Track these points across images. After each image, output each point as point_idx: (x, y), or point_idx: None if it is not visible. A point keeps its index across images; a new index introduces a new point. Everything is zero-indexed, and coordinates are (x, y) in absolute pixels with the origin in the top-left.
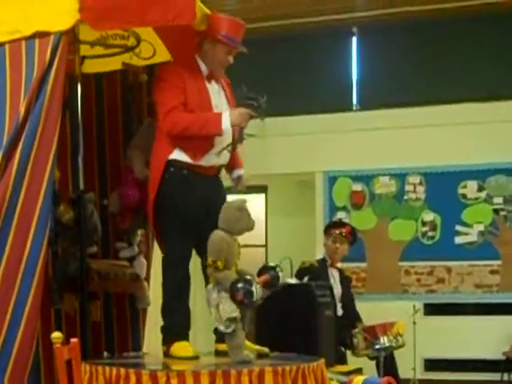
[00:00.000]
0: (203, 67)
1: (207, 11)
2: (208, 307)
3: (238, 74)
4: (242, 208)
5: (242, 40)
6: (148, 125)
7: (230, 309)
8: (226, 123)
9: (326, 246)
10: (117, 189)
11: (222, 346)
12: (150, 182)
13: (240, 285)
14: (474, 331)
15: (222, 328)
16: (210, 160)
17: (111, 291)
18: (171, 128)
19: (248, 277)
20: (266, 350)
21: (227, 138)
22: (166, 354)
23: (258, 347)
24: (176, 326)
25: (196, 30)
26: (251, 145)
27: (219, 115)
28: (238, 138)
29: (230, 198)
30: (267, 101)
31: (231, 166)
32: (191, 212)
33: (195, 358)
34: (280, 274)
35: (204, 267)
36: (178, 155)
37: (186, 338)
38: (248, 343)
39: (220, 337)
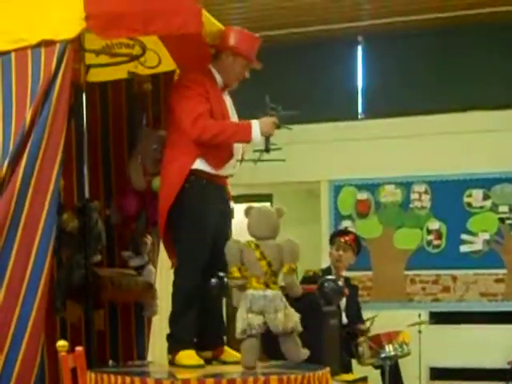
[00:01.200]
0: (218, 78)
1: (219, 25)
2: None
3: (244, 81)
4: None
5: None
6: (146, 134)
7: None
8: (255, 132)
9: (331, 255)
10: (114, 200)
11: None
12: (163, 190)
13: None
14: (480, 340)
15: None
16: (227, 170)
17: (124, 301)
18: (200, 134)
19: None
20: None
21: (241, 149)
22: (172, 363)
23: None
24: (183, 335)
25: (207, 41)
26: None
27: (249, 124)
28: (265, 147)
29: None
30: (291, 110)
31: None
32: (210, 221)
33: (201, 366)
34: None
35: (219, 277)
36: (199, 165)
37: (192, 346)
38: (231, 351)
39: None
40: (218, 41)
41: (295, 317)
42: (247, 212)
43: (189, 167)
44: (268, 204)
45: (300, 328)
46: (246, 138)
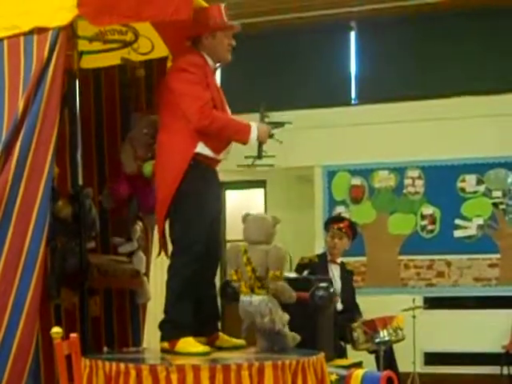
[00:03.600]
0: (210, 61)
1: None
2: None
3: (239, 69)
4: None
5: (240, 34)
6: (136, 119)
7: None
8: (253, 136)
9: (326, 242)
10: (107, 185)
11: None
12: (164, 175)
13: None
14: (474, 325)
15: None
16: (223, 154)
17: (111, 287)
18: (208, 124)
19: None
20: (242, 342)
21: None
22: (171, 351)
23: (234, 340)
24: (182, 321)
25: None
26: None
27: (249, 127)
28: (258, 154)
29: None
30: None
31: None
32: (210, 204)
33: (206, 353)
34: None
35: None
36: (201, 149)
37: (190, 333)
38: (225, 337)
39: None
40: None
41: (283, 319)
42: (244, 218)
43: (192, 151)
44: (262, 190)
45: (287, 330)
46: (245, 139)
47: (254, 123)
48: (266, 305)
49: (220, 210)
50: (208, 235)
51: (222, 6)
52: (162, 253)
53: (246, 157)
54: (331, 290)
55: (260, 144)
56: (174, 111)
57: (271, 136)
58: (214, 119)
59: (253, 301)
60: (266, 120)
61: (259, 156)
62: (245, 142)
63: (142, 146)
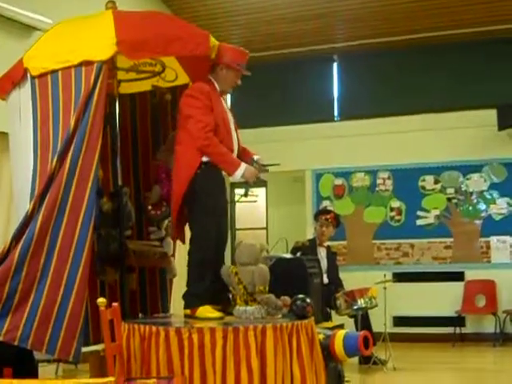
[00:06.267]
0: (216, 86)
1: (215, 41)
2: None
3: (244, 93)
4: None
5: (247, 65)
6: (174, 135)
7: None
8: (239, 173)
9: (315, 230)
10: (155, 184)
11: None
12: (178, 177)
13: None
14: (433, 294)
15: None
16: None
17: (145, 266)
18: (205, 146)
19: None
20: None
21: (237, 144)
22: (192, 316)
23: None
24: (200, 293)
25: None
26: (255, 150)
27: (239, 164)
28: (245, 192)
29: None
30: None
31: (246, 155)
32: (218, 200)
33: (221, 318)
34: None
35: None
36: (207, 158)
37: (208, 302)
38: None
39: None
40: (213, 55)
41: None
42: (238, 244)
43: (199, 160)
44: (264, 189)
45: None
46: (230, 172)
47: (244, 164)
48: (258, 312)
49: (226, 202)
50: (218, 224)
51: (245, 51)
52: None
53: (236, 194)
54: (308, 301)
55: (246, 185)
56: (184, 128)
57: (258, 178)
58: (212, 144)
59: (247, 310)
60: (257, 166)
61: (246, 194)
62: (230, 175)
63: None
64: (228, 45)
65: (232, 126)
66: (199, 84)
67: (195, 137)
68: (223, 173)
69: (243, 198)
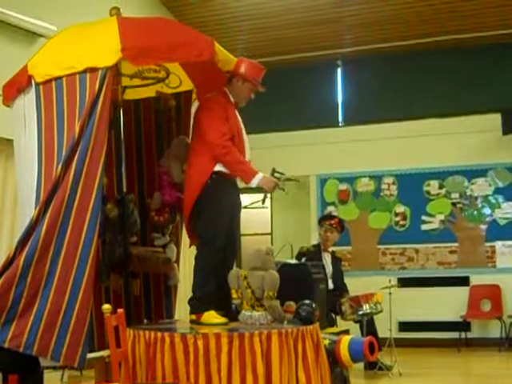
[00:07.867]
0: (231, 98)
1: (229, 54)
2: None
3: (254, 99)
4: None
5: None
6: (180, 140)
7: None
8: (256, 181)
9: (320, 235)
10: (157, 190)
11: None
12: (190, 184)
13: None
14: (438, 299)
15: None
16: None
17: (148, 272)
18: (224, 154)
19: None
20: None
21: (249, 154)
22: (198, 322)
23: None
24: (206, 299)
25: (220, 66)
26: (260, 155)
27: (255, 174)
28: (263, 200)
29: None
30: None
31: None
32: (227, 209)
33: (226, 323)
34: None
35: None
36: (220, 167)
37: (213, 308)
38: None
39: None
40: (230, 67)
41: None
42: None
43: (212, 169)
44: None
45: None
46: (247, 181)
47: (261, 174)
48: (264, 318)
49: (239, 210)
50: (227, 231)
51: (262, 67)
52: (190, 245)
53: (253, 202)
54: (314, 306)
55: (265, 192)
56: (200, 138)
57: (281, 188)
58: (230, 152)
59: (252, 315)
60: (279, 176)
61: (263, 201)
62: (247, 183)
63: (186, 162)
64: (247, 59)
65: (245, 137)
66: (216, 96)
67: (214, 145)
68: (235, 182)
69: (257, 204)
